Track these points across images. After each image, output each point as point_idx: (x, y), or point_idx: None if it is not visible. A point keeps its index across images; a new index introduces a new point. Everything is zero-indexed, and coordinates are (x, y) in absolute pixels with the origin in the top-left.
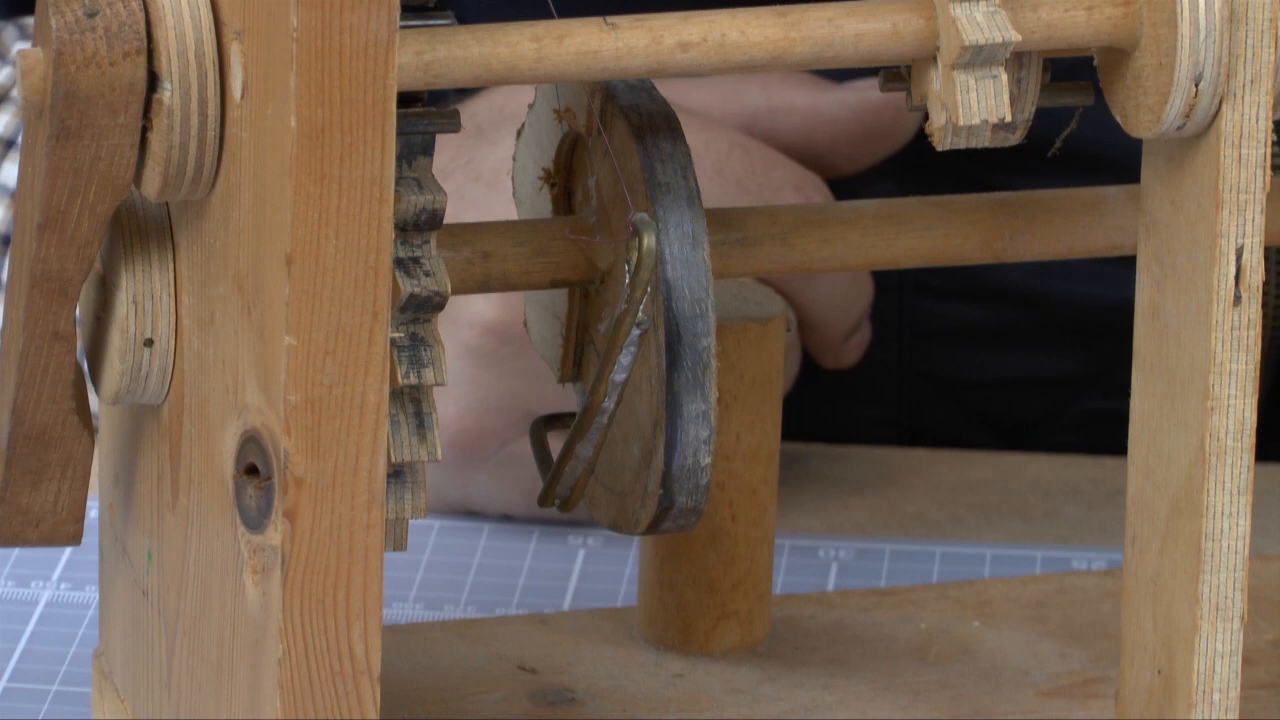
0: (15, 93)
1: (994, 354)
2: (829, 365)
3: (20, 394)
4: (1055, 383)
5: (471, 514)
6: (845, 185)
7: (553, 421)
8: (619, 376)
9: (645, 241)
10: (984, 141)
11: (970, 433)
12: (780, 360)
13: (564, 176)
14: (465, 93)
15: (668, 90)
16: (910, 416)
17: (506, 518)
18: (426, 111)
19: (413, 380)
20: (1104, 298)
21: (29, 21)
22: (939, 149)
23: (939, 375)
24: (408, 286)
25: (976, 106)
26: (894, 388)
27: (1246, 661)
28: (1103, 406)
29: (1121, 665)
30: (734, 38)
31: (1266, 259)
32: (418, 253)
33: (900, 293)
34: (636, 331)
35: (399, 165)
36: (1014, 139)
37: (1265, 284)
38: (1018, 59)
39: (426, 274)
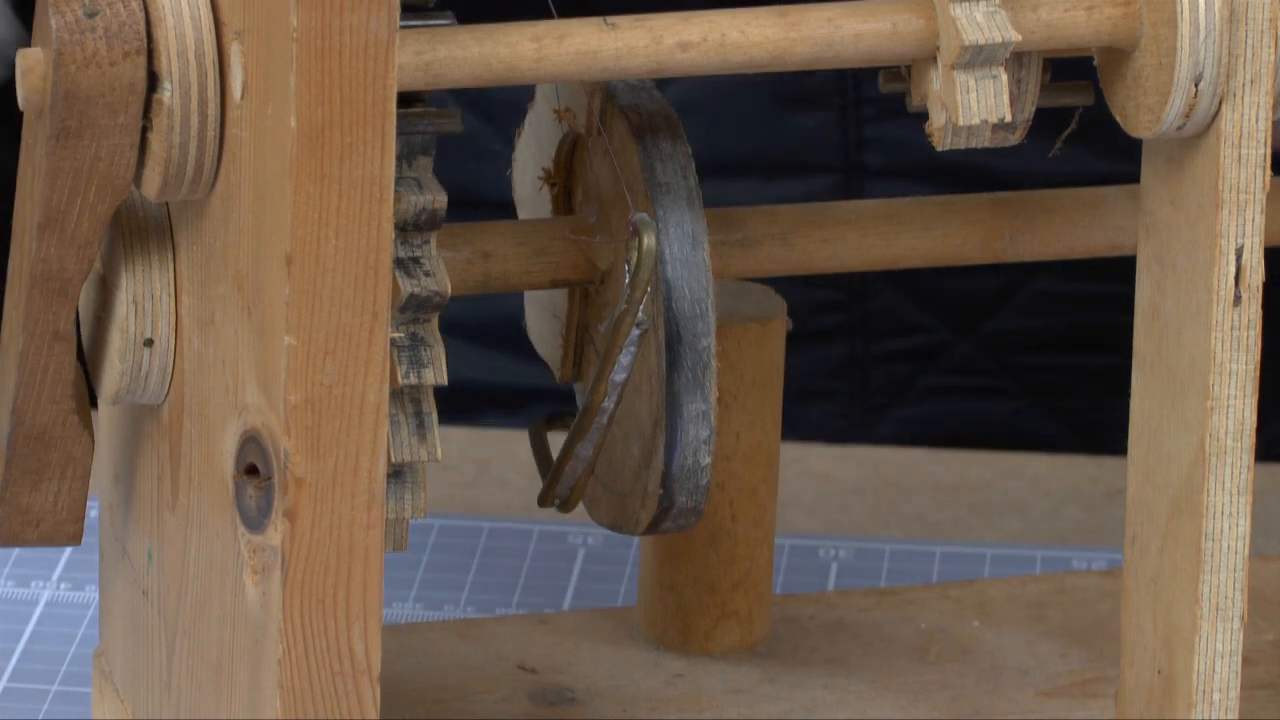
0: None
1: None
2: None
3: (20, 394)
4: (1010, 264)
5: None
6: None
7: (553, 421)
8: (619, 376)
9: (645, 241)
10: (984, 141)
11: (919, 316)
12: (781, 360)
13: (564, 176)
14: None
15: None
16: (858, 300)
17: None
18: (426, 111)
19: (413, 380)
20: (1059, 177)
21: None
22: (938, 149)
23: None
24: (408, 286)
25: (976, 106)
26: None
27: (1246, 661)
28: (1060, 288)
29: (1121, 665)
30: (734, 38)
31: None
32: (418, 253)
33: (845, 175)
34: (636, 331)
35: (399, 165)
36: (1014, 139)
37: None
38: (1018, 59)
39: (426, 274)
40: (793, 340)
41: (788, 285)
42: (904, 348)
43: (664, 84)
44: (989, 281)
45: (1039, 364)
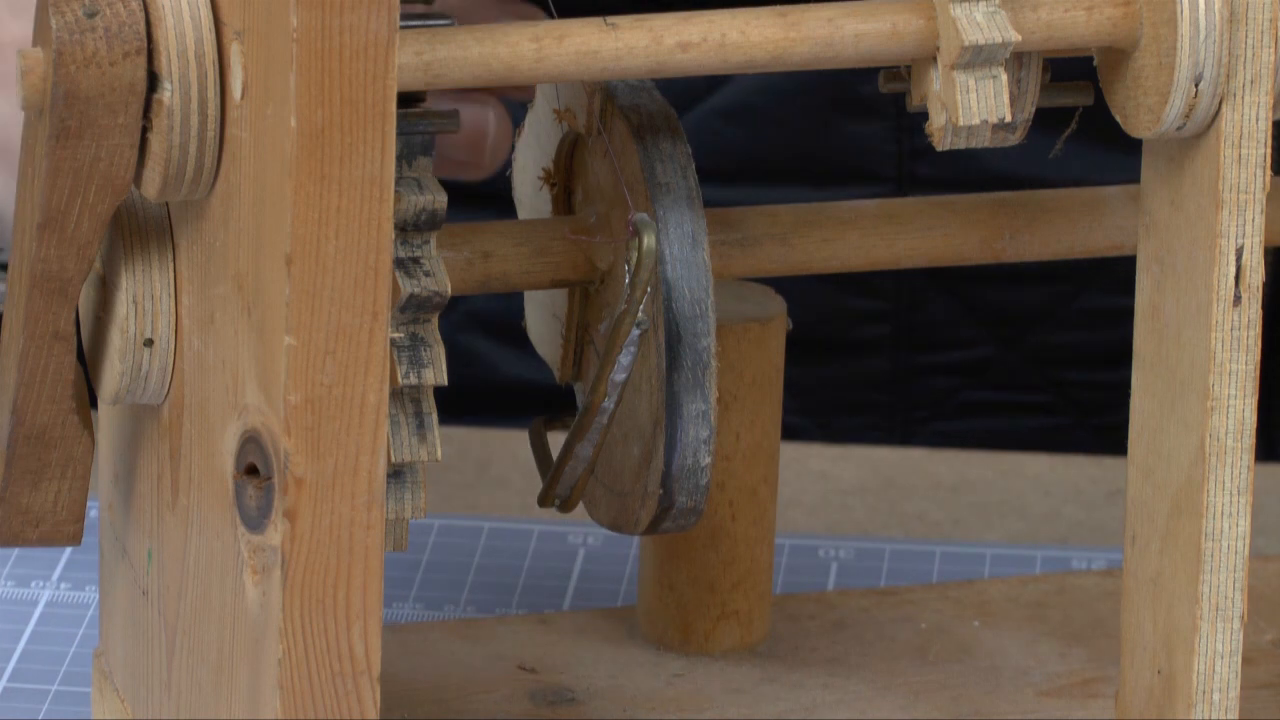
0: None
1: None
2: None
3: (20, 394)
4: (1057, 278)
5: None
6: None
7: (553, 421)
8: (619, 376)
9: (645, 241)
10: (984, 142)
11: (962, 329)
12: (781, 360)
13: (564, 176)
14: None
15: None
16: (907, 311)
17: None
18: (426, 111)
19: (413, 380)
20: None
21: None
22: (938, 149)
23: (937, 268)
24: (408, 286)
25: (976, 106)
26: (891, 280)
27: (1246, 661)
28: (1106, 303)
29: (1121, 665)
30: (734, 38)
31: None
32: (418, 253)
33: (898, 185)
34: (636, 331)
35: (399, 165)
36: (1014, 139)
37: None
38: (1018, 59)
39: (426, 274)
40: (834, 351)
41: (834, 293)
42: (946, 361)
43: (718, 86)
44: (1034, 295)
45: (1083, 380)
